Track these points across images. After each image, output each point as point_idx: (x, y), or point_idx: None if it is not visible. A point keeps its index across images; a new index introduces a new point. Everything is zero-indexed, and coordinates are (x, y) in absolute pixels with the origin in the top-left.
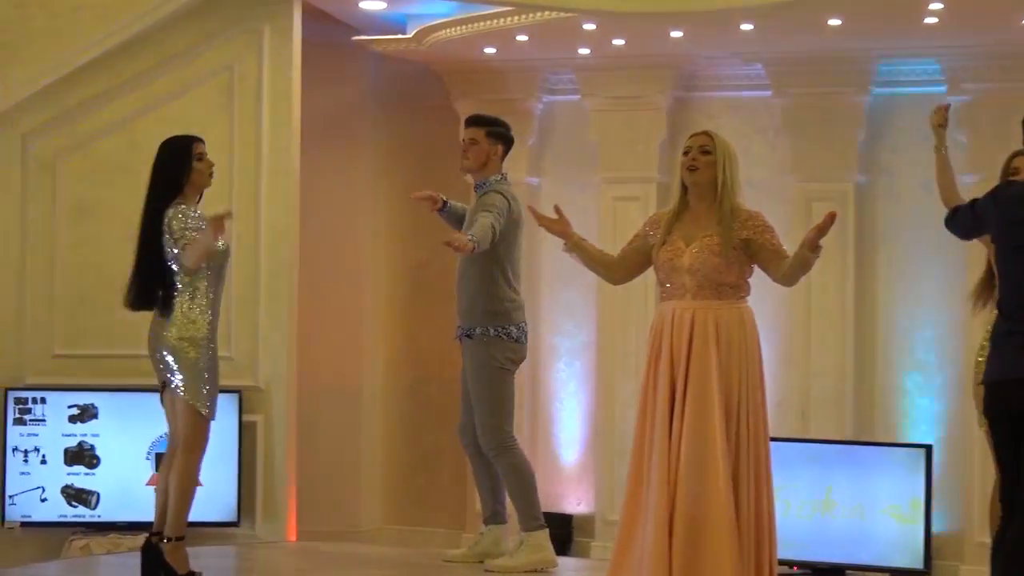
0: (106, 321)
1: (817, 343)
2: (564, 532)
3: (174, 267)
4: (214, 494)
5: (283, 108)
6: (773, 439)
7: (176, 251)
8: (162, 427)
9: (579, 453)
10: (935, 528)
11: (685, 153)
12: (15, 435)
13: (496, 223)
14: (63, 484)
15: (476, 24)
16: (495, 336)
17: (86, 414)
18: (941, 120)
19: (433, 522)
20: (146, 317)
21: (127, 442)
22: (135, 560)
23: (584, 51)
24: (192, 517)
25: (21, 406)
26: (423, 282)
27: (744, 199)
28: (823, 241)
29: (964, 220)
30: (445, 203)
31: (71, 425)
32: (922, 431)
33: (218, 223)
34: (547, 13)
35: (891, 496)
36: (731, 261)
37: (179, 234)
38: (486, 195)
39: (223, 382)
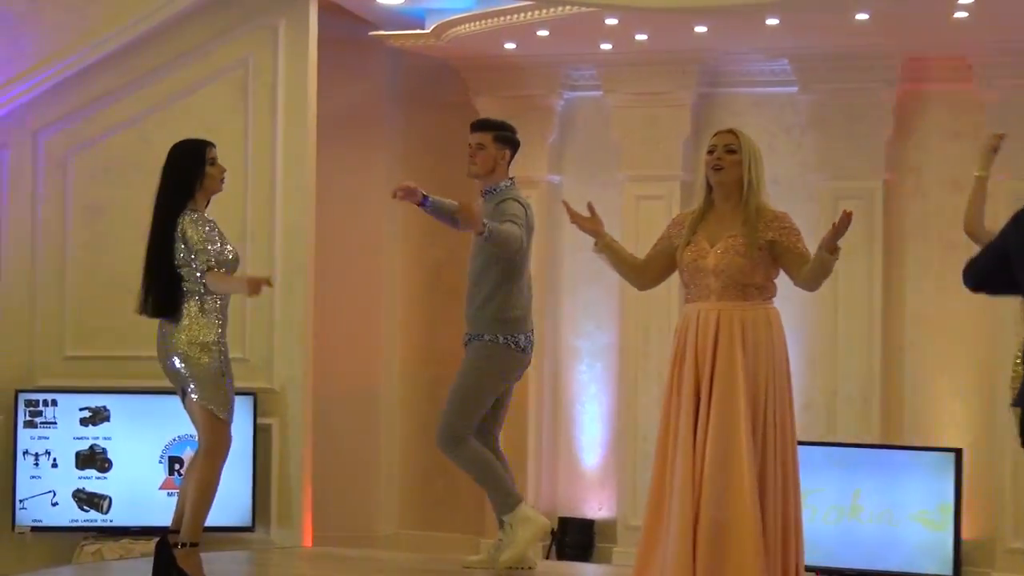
0: (118, 322)
1: (844, 344)
2: (585, 537)
3: (183, 273)
4: (228, 498)
5: (299, 105)
6: (799, 443)
7: (196, 265)
8: (175, 430)
9: (601, 457)
10: (965, 534)
11: (710, 152)
12: (26, 438)
13: (524, 237)
14: (74, 488)
15: (496, 19)
16: (503, 344)
17: (98, 416)
18: (995, 146)
19: (451, 527)
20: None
21: (140, 445)
22: (148, 565)
23: (606, 46)
24: (206, 521)
25: (32, 408)
26: (441, 282)
27: (769, 198)
28: (845, 242)
29: (986, 263)
30: (426, 197)
31: (83, 428)
32: (951, 434)
33: (255, 286)
34: (568, 8)
35: (920, 501)
36: (756, 262)
37: (199, 246)
38: (504, 203)
39: (238, 384)
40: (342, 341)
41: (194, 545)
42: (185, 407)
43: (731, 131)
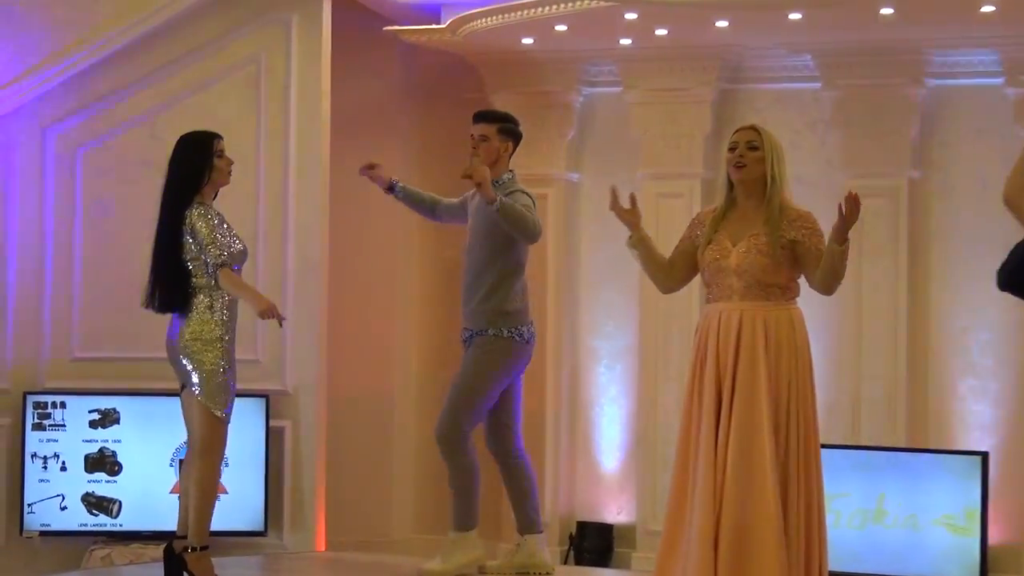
0: (128, 322)
1: (868, 346)
2: (604, 542)
3: (192, 268)
4: (240, 502)
5: (312, 101)
6: (823, 446)
7: (208, 260)
8: (186, 433)
9: (620, 460)
10: (991, 539)
11: (731, 149)
12: (34, 441)
13: (539, 223)
14: (84, 492)
15: (513, 13)
16: (508, 337)
17: (108, 419)
18: None
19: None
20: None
21: (150, 448)
22: (158, 571)
23: (625, 41)
24: (217, 526)
25: (40, 411)
26: (457, 283)
27: (793, 196)
28: (869, 241)
29: (1015, 260)
30: (394, 183)
31: (92, 431)
32: (977, 437)
33: (268, 309)
34: (587, 2)
35: (945, 505)
36: (779, 261)
37: (209, 239)
38: (513, 194)
39: (250, 386)
40: (356, 342)
41: (204, 548)
42: (182, 401)
43: (753, 127)
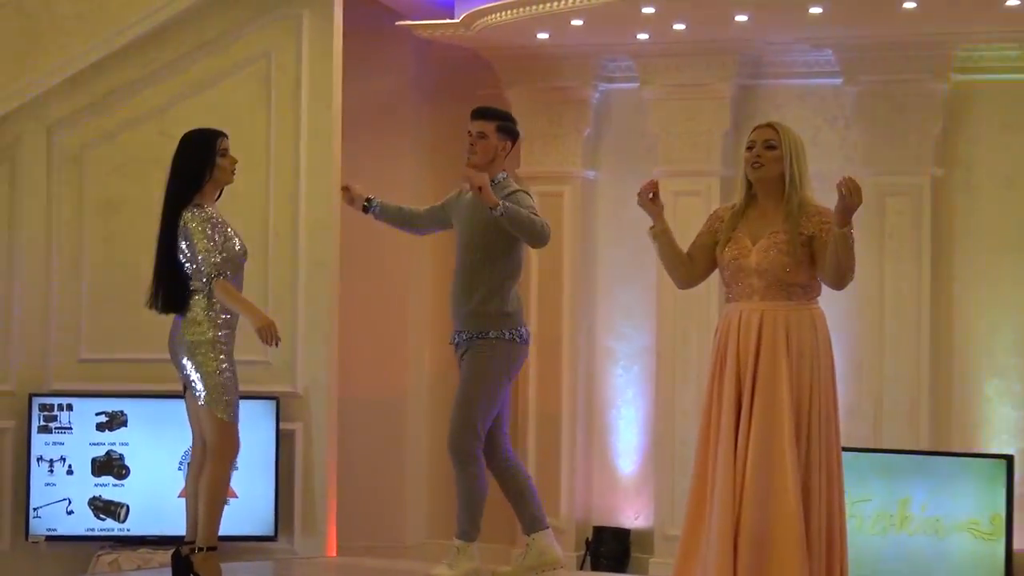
0: (136, 323)
1: (890, 346)
2: (621, 547)
3: (189, 270)
4: (250, 506)
5: (323, 98)
6: (844, 449)
7: (203, 270)
8: None
9: (637, 464)
10: (1017, 544)
11: (749, 148)
12: (40, 444)
13: (547, 225)
14: (90, 496)
15: (528, 8)
16: (510, 340)
17: (115, 421)
18: None
19: (481, 537)
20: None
21: (158, 451)
22: None
23: (643, 36)
24: (227, 531)
25: (46, 413)
26: None
27: (814, 192)
28: (891, 240)
29: None
30: (371, 201)
31: (99, 433)
32: (1003, 440)
33: (267, 331)
34: None
35: (969, 510)
36: (799, 260)
37: (202, 247)
38: (514, 195)
39: (260, 388)
40: (368, 343)
41: (212, 549)
42: (186, 402)
43: (770, 125)
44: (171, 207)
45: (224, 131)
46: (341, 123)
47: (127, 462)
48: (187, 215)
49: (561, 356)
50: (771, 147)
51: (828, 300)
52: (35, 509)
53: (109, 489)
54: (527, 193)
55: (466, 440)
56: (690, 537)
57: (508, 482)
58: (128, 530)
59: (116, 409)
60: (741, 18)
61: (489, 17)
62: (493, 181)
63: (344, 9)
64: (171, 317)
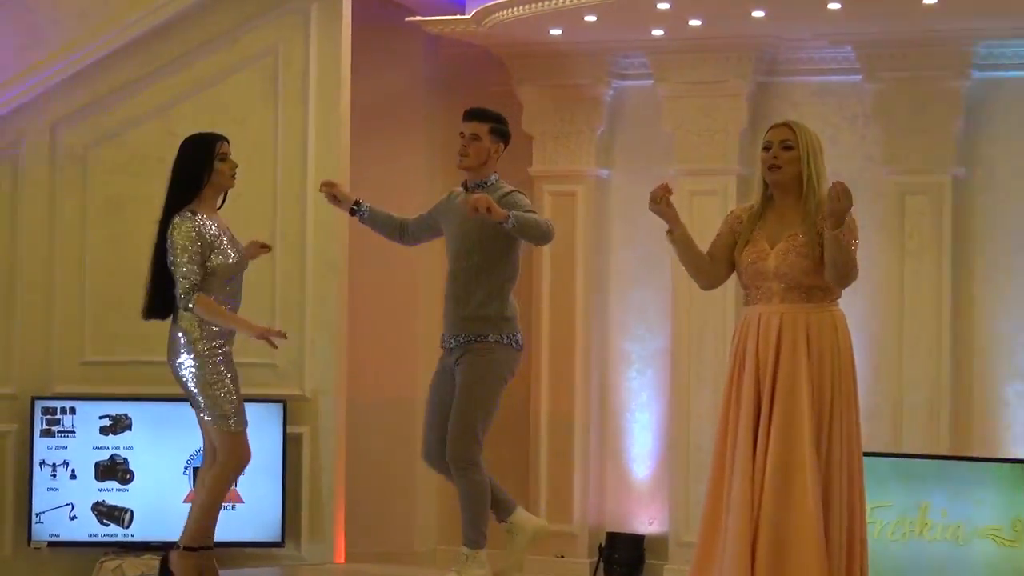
0: (140, 325)
1: (910, 349)
2: (635, 554)
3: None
4: (256, 512)
5: (331, 95)
6: (864, 454)
7: (177, 290)
8: (200, 440)
9: (651, 469)
10: None
11: (766, 149)
12: (43, 448)
13: (550, 222)
14: (94, 501)
15: (541, 3)
16: (507, 344)
17: (119, 425)
18: None
19: (492, 543)
20: None
21: (163, 455)
22: None
23: (658, 32)
24: (233, 536)
25: (49, 416)
26: None
27: None
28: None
29: None
30: (359, 204)
31: (103, 437)
32: None
33: (264, 335)
34: None
35: (991, 516)
36: (819, 261)
37: (179, 260)
38: (510, 196)
39: (267, 391)
40: (377, 345)
41: (189, 549)
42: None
43: (787, 124)
44: (167, 213)
45: (224, 135)
46: (350, 120)
47: (131, 466)
48: (174, 222)
49: (574, 359)
50: (788, 147)
51: (846, 301)
52: (37, 514)
53: (113, 494)
54: (521, 192)
55: (468, 447)
56: (707, 543)
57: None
58: (132, 536)
59: (120, 412)
60: (758, 14)
61: (501, 13)
62: (486, 183)
63: (353, 4)
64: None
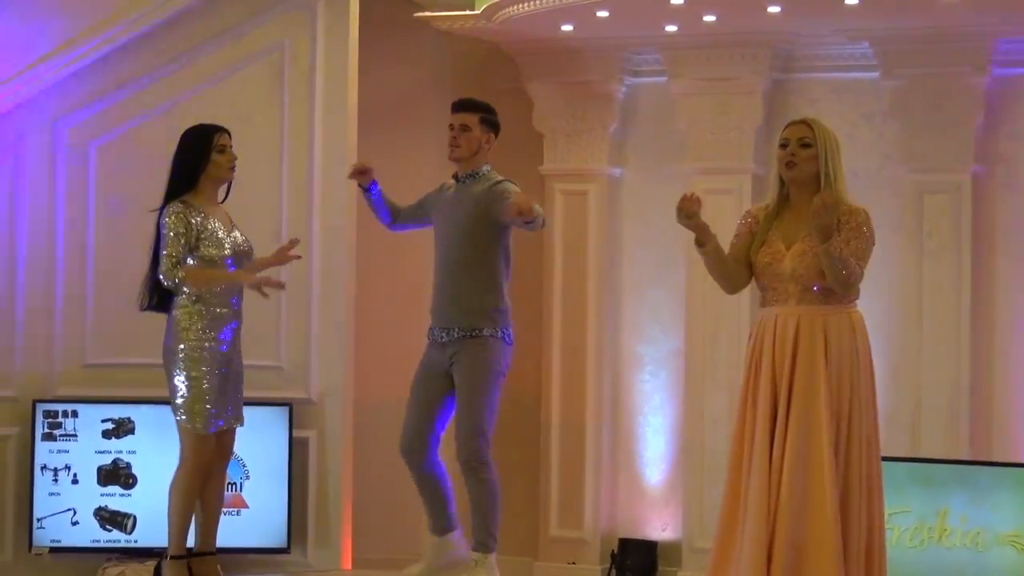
0: (144, 326)
1: (929, 351)
2: (648, 560)
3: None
4: (261, 517)
5: (338, 91)
6: (882, 459)
7: (161, 267)
8: None
9: (665, 473)
10: None
11: (782, 146)
12: (44, 452)
13: (541, 208)
14: (96, 506)
15: None
16: (501, 338)
17: (122, 429)
18: None
19: (501, 549)
20: None
21: (166, 460)
22: None
23: (671, 28)
24: (238, 542)
25: (51, 420)
26: None
27: (849, 191)
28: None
29: None
30: (373, 185)
31: (105, 441)
32: None
33: (261, 284)
34: None
35: (1012, 522)
36: None
37: (167, 242)
38: (500, 185)
39: (272, 394)
40: (384, 348)
41: (175, 557)
42: None
43: (804, 122)
44: (165, 204)
45: (224, 127)
46: (357, 117)
47: (134, 471)
48: (167, 210)
49: (586, 361)
50: (806, 145)
51: (864, 302)
52: (39, 519)
53: (116, 499)
54: (511, 181)
55: (478, 447)
56: (723, 547)
57: (429, 485)
58: (135, 541)
59: (123, 416)
60: (774, 9)
61: (511, 8)
62: (477, 173)
63: (360, 0)
64: None
